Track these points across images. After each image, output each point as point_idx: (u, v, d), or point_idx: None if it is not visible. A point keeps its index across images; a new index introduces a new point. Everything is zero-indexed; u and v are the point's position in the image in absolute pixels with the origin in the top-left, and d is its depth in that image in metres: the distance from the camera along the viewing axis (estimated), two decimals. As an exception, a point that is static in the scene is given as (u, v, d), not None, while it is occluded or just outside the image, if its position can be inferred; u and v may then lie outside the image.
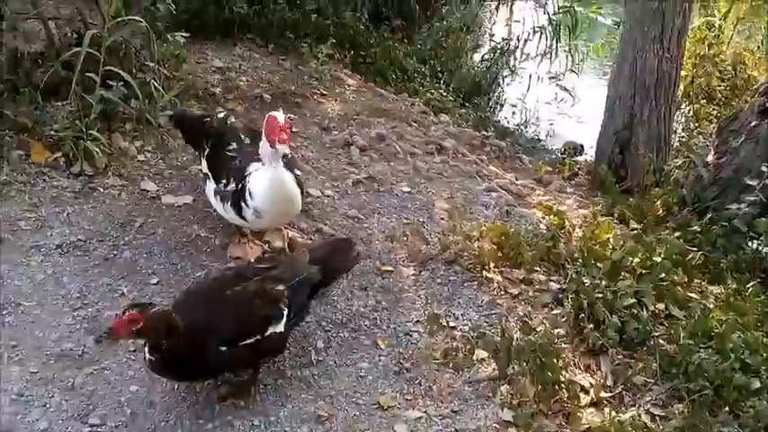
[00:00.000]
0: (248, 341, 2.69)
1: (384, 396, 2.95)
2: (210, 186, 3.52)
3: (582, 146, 7.02)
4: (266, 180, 3.25)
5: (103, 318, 3.10)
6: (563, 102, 8.70)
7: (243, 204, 3.30)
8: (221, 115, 3.86)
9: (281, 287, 2.81)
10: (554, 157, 6.96)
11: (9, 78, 4.04)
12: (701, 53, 7.64)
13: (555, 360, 2.95)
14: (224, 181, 3.42)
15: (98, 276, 3.33)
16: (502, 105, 8.38)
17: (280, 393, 2.89)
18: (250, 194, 3.27)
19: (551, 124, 7.74)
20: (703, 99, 7.47)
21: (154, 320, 2.50)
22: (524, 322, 3.24)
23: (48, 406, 2.70)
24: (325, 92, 5.72)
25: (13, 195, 3.65)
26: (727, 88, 7.62)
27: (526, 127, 7.82)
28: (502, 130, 7.31)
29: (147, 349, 2.57)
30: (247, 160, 3.40)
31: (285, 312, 2.79)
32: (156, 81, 4.35)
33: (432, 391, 3.01)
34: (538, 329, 3.09)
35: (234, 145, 3.55)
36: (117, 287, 3.29)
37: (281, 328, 2.79)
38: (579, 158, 6.70)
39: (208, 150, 3.62)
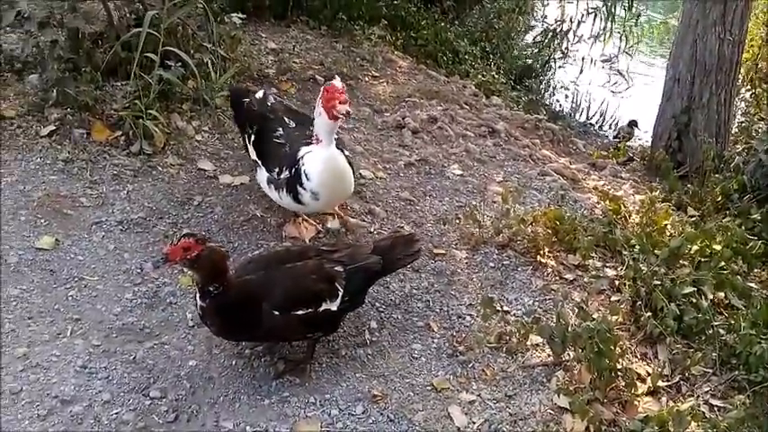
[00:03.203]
0: (300, 312, 2.74)
1: (437, 378, 2.95)
2: (263, 175, 3.49)
3: (636, 121, 6.87)
4: (321, 161, 3.24)
5: (163, 293, 3.18)
6: (617, 85, 8.55)
7: (299, 188, 3.28)
8: (260, 95, 3.73)
9: (339, 268, 2.86)
10: (606, 141, 6.85)
11: (71, 58, 4.11)
12: (765, 36, 7.39)
13: (612, 347, 2.91)
14: (276, 170, 3.39)
15: (158, 253, 3.34)
16: (554, 88, 8.27)
17: (334, 372, 2.92)
18: (306, 177, 3.25)
19: (604, 107, 7.59)
20: (765, 84, 7.24)
21: (209, 254, 2.55)
22: (581, 308, 3.20)
23: (110, 378, 2.77)
24: (376, 74, 5.71)
25: (75, 173, 3.74)
26: (791, 73, 7.36)
27: (578, 110, 7.70)
28: (554, 114, 7.22)
29: (198, 296, 2.64)
30: (297, 145, 3.38)
31: (340, 293, 2.83)
32: (212, 62, 4.39)
33: (485, 374, 3.00)
34: (594, 316, 3.04)
35: (280, 131, 3.51)
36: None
37: (334, 306, 2.82)
38: (632, 143, 6.59)
39: (253, 137, 3.58)
